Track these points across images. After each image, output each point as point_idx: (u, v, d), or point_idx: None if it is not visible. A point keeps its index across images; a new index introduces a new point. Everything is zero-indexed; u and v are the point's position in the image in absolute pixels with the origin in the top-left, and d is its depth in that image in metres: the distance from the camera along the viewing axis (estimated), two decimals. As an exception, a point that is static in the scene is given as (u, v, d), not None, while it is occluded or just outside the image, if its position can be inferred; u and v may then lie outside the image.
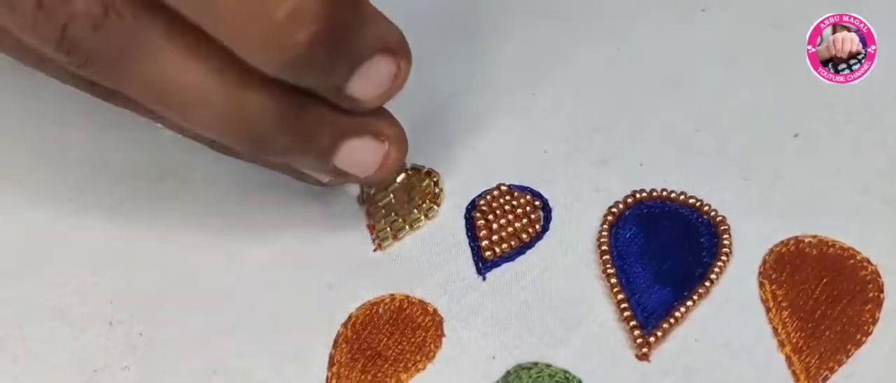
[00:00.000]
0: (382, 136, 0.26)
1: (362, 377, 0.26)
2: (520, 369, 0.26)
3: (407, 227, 0.29)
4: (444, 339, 0.27)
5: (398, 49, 0.25)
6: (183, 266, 0.29)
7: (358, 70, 0.24)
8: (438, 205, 0.29)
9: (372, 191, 0.30)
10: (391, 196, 0.30)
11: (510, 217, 0.29)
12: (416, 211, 0.29)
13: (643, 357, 0.26)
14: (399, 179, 0.30)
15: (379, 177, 0.27)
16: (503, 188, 0.30)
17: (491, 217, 0.29)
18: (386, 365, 0.26)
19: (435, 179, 0.30)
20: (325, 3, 0.21)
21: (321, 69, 0.23)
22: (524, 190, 0.30)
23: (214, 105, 0.23)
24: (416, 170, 0.30)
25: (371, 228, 0.29)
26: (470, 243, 0.29)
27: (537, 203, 0.29)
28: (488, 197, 0.29)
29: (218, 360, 0.27)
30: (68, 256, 0.29)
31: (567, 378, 0.26)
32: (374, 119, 0.26)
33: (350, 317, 0.27)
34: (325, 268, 0.28)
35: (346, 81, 0.24)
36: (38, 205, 0.30)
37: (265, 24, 0.21)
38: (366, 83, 0.24)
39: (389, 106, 0.26)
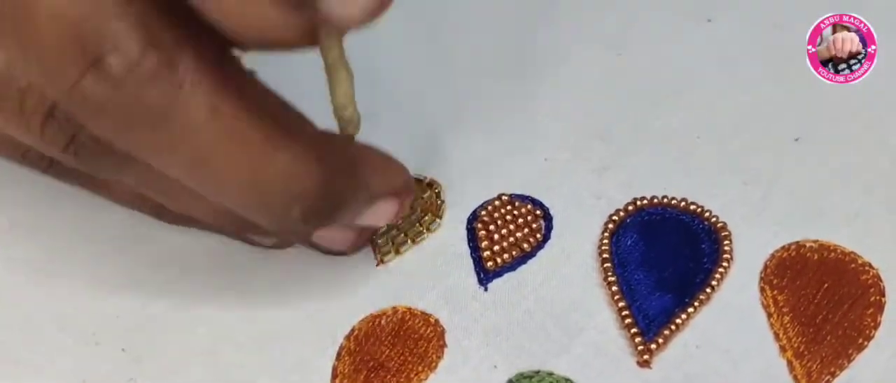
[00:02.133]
0: (400, 193, 0.27)
1: (365, 388, 0.26)
2: (521, 377, 0.26)
3: (409, 241, 0.29)
4: (445, 350, 0.27)
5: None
6: (186, 279, 0.29)
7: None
8: (440, 218, 0.30)
9: None
10: None
11: (512, 227, 0.29)
12: (418, 224, 0.29)
13: (644, 364, 0.26)
14: None
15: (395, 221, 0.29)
16: (504, 198, 0.30)
17: (492, 227, 0.29)
18: (388, 376, 0.26)
19: (437, 190, 0.30)
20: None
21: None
22: (525, 199, 0.30)
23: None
24: (418, 180, 0.30)
25: (372, 243, 0.29)
26: (471, 254, 0.29)
27: (538, 212, 0.29)
28: (490, 207, 0.30)
29: (222, 372, 0.27)
30: (75, 269, 0.29)
31: (568, 386, 0.26)
32: (392, 176, 0.27)
33: (353, 330, 0.27)
34: (328, 283, 0.28)
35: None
36: (45, 216, 0.30)
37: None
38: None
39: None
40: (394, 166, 0.27)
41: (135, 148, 0.21)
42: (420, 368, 0.26)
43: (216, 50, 0.21)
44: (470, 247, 0.29)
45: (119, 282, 0.29)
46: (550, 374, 0.26)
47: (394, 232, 0.29)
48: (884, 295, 0.26)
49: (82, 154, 0.22)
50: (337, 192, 0.24)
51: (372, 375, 0.26)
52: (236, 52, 0.22)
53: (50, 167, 0.25)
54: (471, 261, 0.29)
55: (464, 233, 0.29)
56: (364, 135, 0.27)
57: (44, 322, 0.28)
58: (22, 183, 0.29)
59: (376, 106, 0.31)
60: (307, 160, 0.22)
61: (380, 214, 0.27)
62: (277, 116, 0.22)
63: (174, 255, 0.29)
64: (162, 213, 0.28)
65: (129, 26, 0.19)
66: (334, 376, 0.26)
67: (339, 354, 0.27)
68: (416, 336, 0.27)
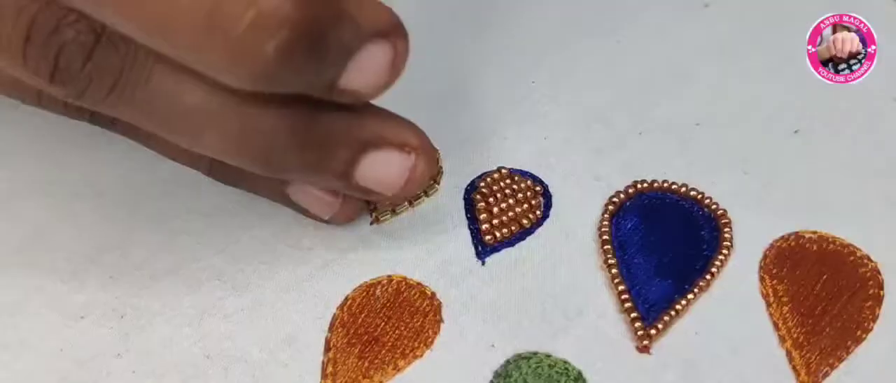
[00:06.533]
0: (407, 147, 0.24)
1: (359, 363, 0.24)
2: (519, 359, 0.25)
3: (406, 204, 0.28)
4: (442, 325, 0.26)
5: (391, 30, 0.22)
6: (175, 249, 0.27)
7: (349, 63, 0.21)
8: (438, 183, 0.28)
9: None
10: None
11: (511, 201, 0.28)
12: None
13: (644, 349, 0.25)
14: None
15: (406, 194, 0.25)
16: (504, 171, 0.29)
17: (491, 200, 0.28)
18: (383, 351, 0.25)
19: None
20: (292, 4, 0.19)
21: (303, 72, 0.20)
22: (525, 174, 0.29)
23: (220, 125, 0.21)
24: None
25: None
26: (470, 226, 0.28)
27: (538, 188, 0.28)
28: (488, 179, 0.29)
29: (211, 344, 0.25)
30: (62, 243, 0.27)
31: (567, 369, 0.25)
32: (396, 128, 0.24)
33: (346, 299, 0.26)
34: (321, 245, 0.27)
35: (338, 78, 0.21)
36: (33, 193, 0.28)
37: (227, 41, 0.19)
38: (361, 75, 0.21)
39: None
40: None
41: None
42: (416, 344, 0.25)
43: None
44: (468, 218, 0.28)
45: (104, 256, 0.27)
46: (548, 356, 0.25)
47: None
48: (882, 289, 0.26)
49: (67, 82, 0.21)
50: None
51: (366, 349, 0.25)
52: None
53: (67, 109, 0.25)
54: (468, 232, 0.28)
55: (461, 203, 0.28)
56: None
57: (29, 299, 0.26)
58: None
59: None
60: None
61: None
62: None
63: (159, 222, 0.28)
64: (213, 169, 0.27)
65: None
66: (327, 349, 0.25)
67: (332, 325, 0.25)
68: (412, 309, 0.26)
